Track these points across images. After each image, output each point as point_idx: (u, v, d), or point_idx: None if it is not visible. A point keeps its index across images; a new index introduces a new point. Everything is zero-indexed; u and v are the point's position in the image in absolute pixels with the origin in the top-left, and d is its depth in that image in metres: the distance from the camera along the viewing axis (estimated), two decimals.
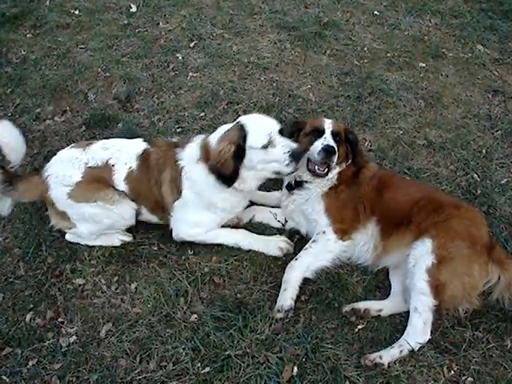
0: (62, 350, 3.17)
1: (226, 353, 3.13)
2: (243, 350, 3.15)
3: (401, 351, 3.14)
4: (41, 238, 3.77)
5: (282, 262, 3.64)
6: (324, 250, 3.57)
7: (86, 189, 3.59)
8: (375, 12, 6.69)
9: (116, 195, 3.63)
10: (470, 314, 3.34)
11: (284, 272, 3.52)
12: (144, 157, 3.68)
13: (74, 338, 3.22)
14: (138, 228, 3.85)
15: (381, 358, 3.10)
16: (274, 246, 3.70)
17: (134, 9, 6.52)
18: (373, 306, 3.40)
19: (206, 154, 3.45)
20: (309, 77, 5.50)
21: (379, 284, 3.59)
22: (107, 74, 5.47)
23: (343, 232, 3.58)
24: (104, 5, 6.61)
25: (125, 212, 3.67)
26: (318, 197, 3.69)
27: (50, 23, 6.14)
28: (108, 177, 3.63)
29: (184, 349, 3.16)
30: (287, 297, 3.40)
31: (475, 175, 4.42)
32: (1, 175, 3.56)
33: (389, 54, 5.91)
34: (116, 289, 3.43)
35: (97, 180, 3.61)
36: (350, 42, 6.10)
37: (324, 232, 3.59)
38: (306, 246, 3.61)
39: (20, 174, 3.85)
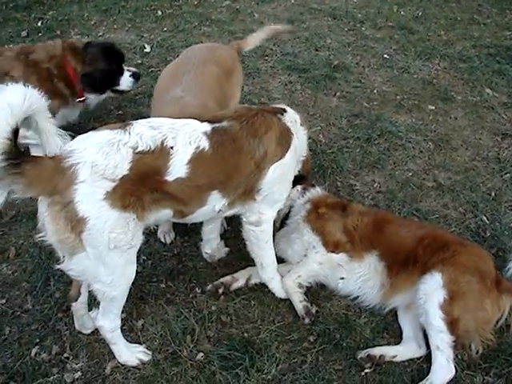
0: None
1: None
2: None
3: None
4: (49, 273, 3.75)
5: (289, 303, 3.61)
6: (314, 261, 3.61)
7: (127, 191, 2.72)
8: (385, 55, 6.81)
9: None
10: (480, 357, 3.30)
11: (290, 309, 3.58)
12: (220, 131, 3.03)
13: (79, 373, 3.18)
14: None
15: None
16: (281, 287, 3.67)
17: (147, 49, 6.66)
18: (388, 351, 3.35)
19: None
20: (319, 118, 5.57)
21: (387, 326, 3.55)
22: (120, 111, 5.56)
23: (334, 245, 3.60)
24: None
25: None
26: (301, 222, 3.77)
27: None
28: (163, 164, 2.80)
29: None
30: (297, 303, 3.55)
31: (484, 218, 4.41)
32: (7, 144, 2.47)
33: (398, 97, 5.99)
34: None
35: (147, 175, 2.76)
36: (359, 84, 6.19)
37: (314, 246, 3.64)
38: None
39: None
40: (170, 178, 2.83)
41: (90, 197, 2.63)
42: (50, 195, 2.65)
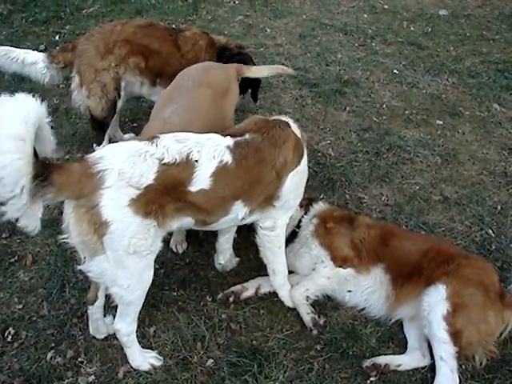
0: None
1: None
2: None
3: None
4: (65, 280, 3.87)
5: (297, 312, 3.70)
6: (322, 276, 3.69)
7: (151, 199, 2.83)
8: (394, 71, 6.90)
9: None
10: (484, 368, 3.37)
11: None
12: (243, 145, 3.17)
13: (93, 377, 3.28)
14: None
15: None
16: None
17: None
18: (392, 361, 3.42)
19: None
20: (329, 132, 5.67)
21: (393, 336, 3.63)
22: (134, 124, 5.70)
23: (342, 260, 3.68)
24: None
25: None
26: (310, 237, 3.87)
27: None
28: (187, 176, 2.93)
29: None
30: (304, 315, 3.63)
31: (490, 231, 4.48)
32: (33, 167, 2.55)
33: (407, 112, 6.07)
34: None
35: (172, 185, 2.89)
36: (369, 99, 6.28)
37: (322, 261, 3.73)
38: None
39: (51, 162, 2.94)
40: (193, 188, 2.96)
41: (115, 202, 2.75)
42: (77, 198, 2.75)
